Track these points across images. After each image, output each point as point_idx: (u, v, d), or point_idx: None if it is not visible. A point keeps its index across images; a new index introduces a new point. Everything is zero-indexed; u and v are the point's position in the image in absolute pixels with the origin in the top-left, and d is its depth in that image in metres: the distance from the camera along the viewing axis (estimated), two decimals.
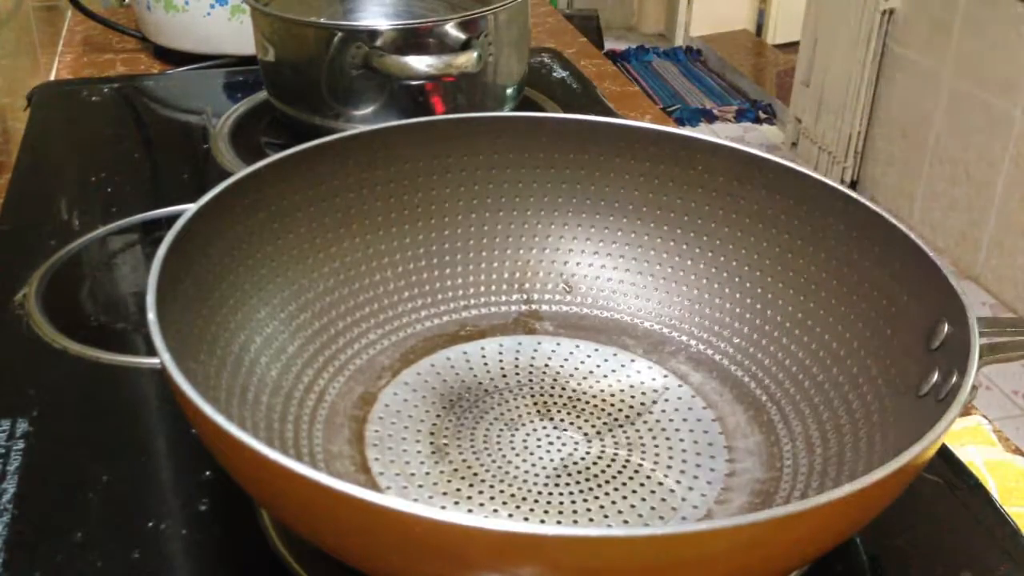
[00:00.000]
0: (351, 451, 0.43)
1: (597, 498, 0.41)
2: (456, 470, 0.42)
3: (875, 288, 0.44)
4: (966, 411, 0.51)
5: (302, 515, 0.33)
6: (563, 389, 0.47)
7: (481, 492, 0.41)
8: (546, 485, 0.42)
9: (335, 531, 0.32)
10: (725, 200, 0.50)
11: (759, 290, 0.49)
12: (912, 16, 2.10)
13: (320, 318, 0.48)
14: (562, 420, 0.45)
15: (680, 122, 2.65)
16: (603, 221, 0.53)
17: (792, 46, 2.85)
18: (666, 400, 0.47)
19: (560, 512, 0.40)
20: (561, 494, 0.41)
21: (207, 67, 0.94)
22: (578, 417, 0.46)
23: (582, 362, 0.49)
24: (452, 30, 0.68)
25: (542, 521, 0.40)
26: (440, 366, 0.49)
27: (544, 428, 0.45)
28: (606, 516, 0.40)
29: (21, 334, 0.53)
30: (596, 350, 0.50)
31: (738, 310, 0.50)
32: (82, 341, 0.52)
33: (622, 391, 0.47)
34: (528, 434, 0.44)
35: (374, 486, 0.41)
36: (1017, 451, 0.49)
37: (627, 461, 0.43)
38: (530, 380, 0.48)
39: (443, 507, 0.40)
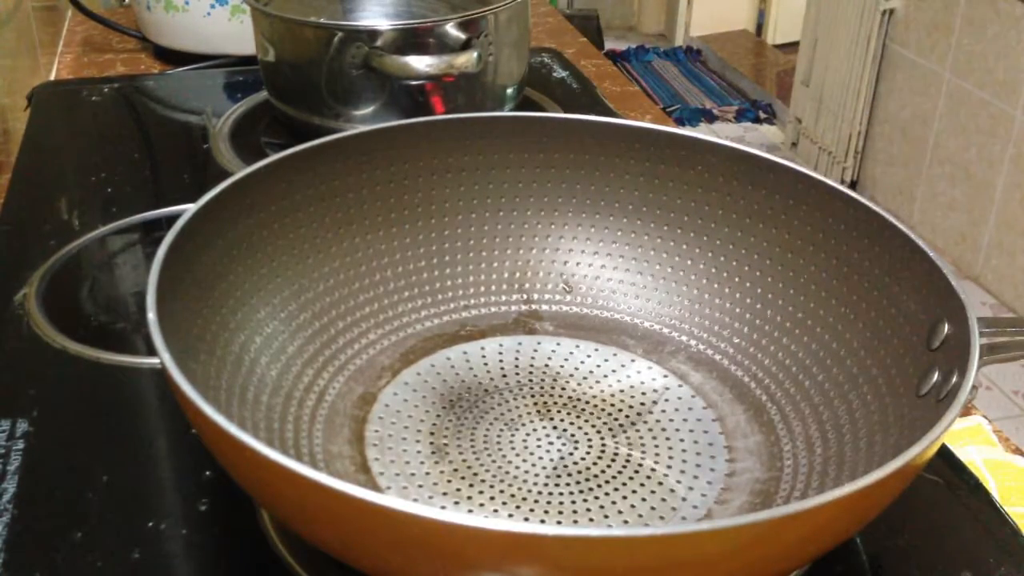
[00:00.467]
0: (351, 451, 0.43)
1: (597, 498, 0.41)
2: (456, 470, 0.42)
3: (875, 288, 0.44)
4: (966, 411, 0.51)
5: (302, 515, 0.33)
6: (563, 389, 0.47)
7: (481, 492, 0.41)
8: (546, 485, 0.42)
9: (335, 531, 0.32)
10: (725, 200, 0.50)
11: (759, 290, 0.49)
12: (912, 16, 2.10)
13: (320, 318, 0.48)
14: (562, 420, 0.45)
15: (680, 122, 2.65)
16: (603, 221, 0.53)
17: (792, 46, 2.85)
18: (666, 400, 0.47)
19: (560, 512, 0.40)
20: (561, 494, 0.41)
21: (207, 67, 0.94)
22: (578, 417, 0.46)
23: (582, 362, 0.49)
24: (452, 30, 0.68)
25: (542, 521, 0.40)
26: (440, 366, 0.49)
27: (544, 428, 0.45)
28: (606, 516, 0.40)
29: (21, 334, 0.53)
30: (596, 350, 0.50)
31: (738, 310, 0.50)
32: (82, 341, 0.52)
33: (622, 391, 0.47)
34: (528, 434, 0.44)
35: (374, 486, 0.41)
36: (1017, 451, 0.49)
37: (627, 461, 0.43)
38: (530, 380, 0.48)
39: (443, 507, 0.40)
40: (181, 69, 0.94)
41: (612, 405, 0.47)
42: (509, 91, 0.74)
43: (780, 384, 0.47)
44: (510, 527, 0.28)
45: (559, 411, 0.46)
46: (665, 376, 0.48)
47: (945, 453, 0.46)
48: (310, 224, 0.48)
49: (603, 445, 0.44)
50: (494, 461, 0.43)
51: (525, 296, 0.53)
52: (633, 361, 0.49)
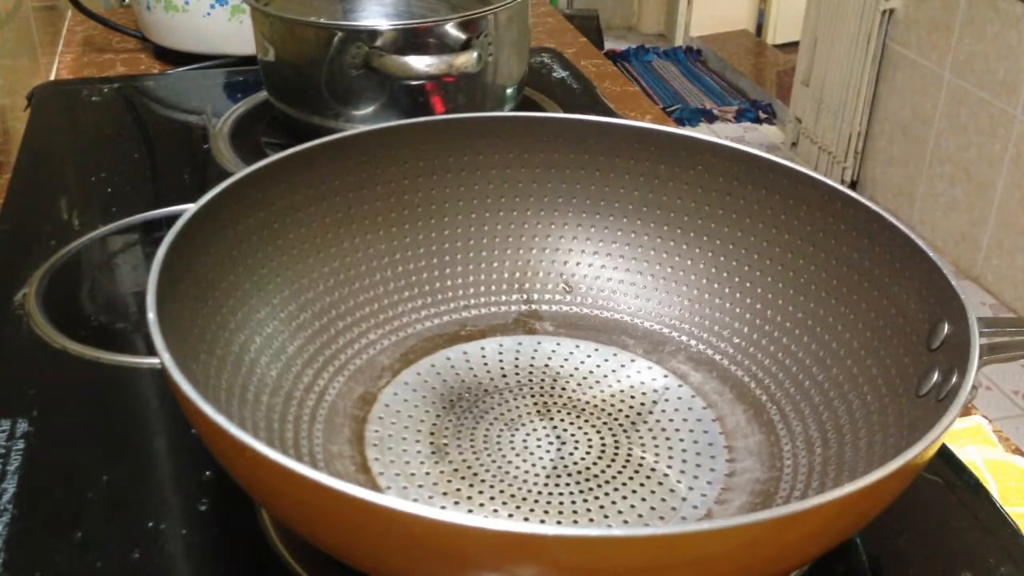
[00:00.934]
0: (351, 451, 0.43)
1: (597, 498, 0.41)
2: (456, 470, 0.42)
3: (875, 288, 0.44)
4: (966, 411, 0.51)
5: (302, 515, 0.33)
6: (563, 389, 0.47)
7: (481, 492, 0.41)
8: (546, 485, 0.42)
9: (335, 531, 0.32)
10: (725, 200, 0.50)
11: (759, 290, 0.49)
12: (912, 16, 2.10)
13: (320, 318, 0.48)
14: (562, 420, 0.45)
15: (680, 122, 2.65)
16: (603, 221, 0.53)
17: (792, 46, 2.85)
18: (666, 400, 0.47)
19: (560, 512, 0.40)
20: (561, 494, 0.41)
21: (207, 67, 0.94)
22: (578, 417, 0.46)
23: (582, 362, 0.49)
24: (452, 30, 0.68)
25: (542, 521, 0.40)
26: (440, 366, 0.49)
27: (544, 428, 0.45)
28: (606, 516, 0.40)
29: (21, 334, 0.53)
30: (596, 350, 0.50)
31: (738, 310, 0.50)
32: (82, 341, 0.52)
33: (622, 391, 0.47)
34: (528, 434, 0.44)
35: (374, 486, 0.41)
36: (1017, 451, 0.49)
37: (627, 461, 0.43)
38: (530, 380, 0.48)
39: (443, 507, 0.40)
40: (181, 69, 0.94)
41: (612, 405, 0.47)
42: (509, 91, 0.74)
43: (780, 384, 0.47)
44: (510, 527, 0.28)
45: (559, 411, 0.46)
46: (665, 376, 0.48)
47: (945, 453, 0.46)
48: (310, 224, 0.48)
49: (603, 445, 0.44)
50: (494, 461, 0.43)
51: (525, 296, 0.53)
52: (633, 361, 0.49)
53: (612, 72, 0.98)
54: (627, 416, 0.46)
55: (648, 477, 0.42)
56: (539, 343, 0.51)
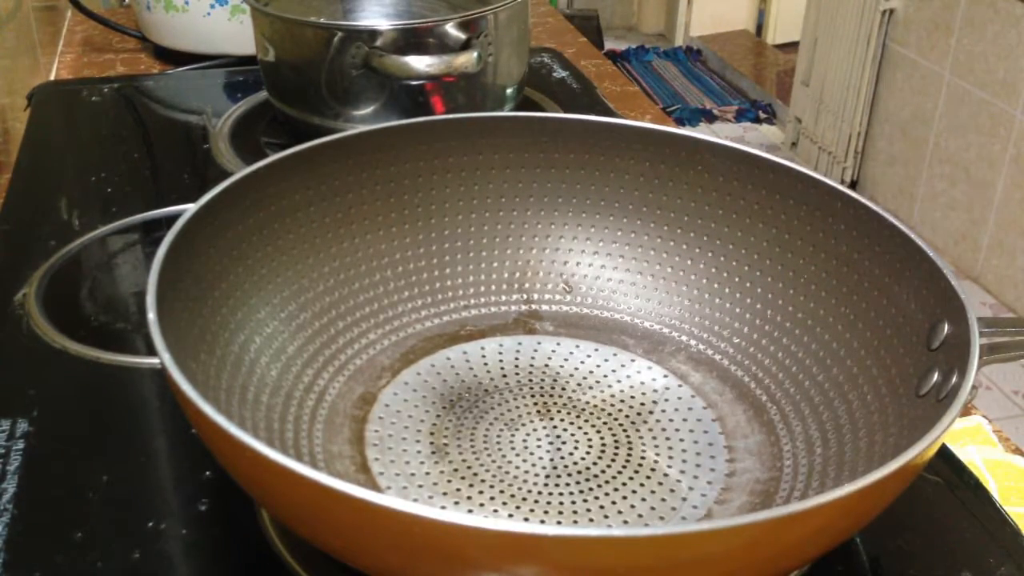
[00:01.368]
0: (351, 451, 0.43)
1: (597, 498, 0.41)
2: (456, 470, 0.42)
3: (875, 288, 0.44)
4: (966, 411, 0.51)
5: (302, 515, 0.33)
6: (563, 389, 0.47)
7: (481, 492, 0.41)
8: (546, 485, 0.42)
9: (335, 531, 0.32)
10: (725, 200, 0.50)
11: (759, 290, 0.49)
12: (912, 16, 2.10)
13: (320, 318, 0.48)
14: (562, 420, 0.45)
15: (680, 122, 2.65)
16: (603, 221, 0.53)
17: (792, 46, 2.85)
18: (666, 400, 0.47)
19: (560, 512, 0.40)
20: (561, 494, 0.41)
21: (207, 67, 0.94)
22: (578, 417, 0.46)
23: (582, 362, 0.49)
24: (452, 30, 0.68)
25: (542, 521, 0.40)
26: (440, 366, 0.49)
27: (544, 428, 0.45)
28: (606, 516, 0.40)
29: (21, 334, 0.53)
30: (596, 350, 0.50)
31: (738, 310, 0.50)
32: (82, 341, 0.52)
33: (622, 391, 0.47)
34: (528, 434, 0.44)
35: (374, 486, 0.41)
36: (1017, 451, 0.49)
37: (627, 461, 0.43)
38: (530, 380, 0.48)
39: (443, 507, 0.40)
40: (181, 69, 0.94)
41: (612, 405, 0.47)
42: (509, 91, 0.74)
43: (780, 384, 0.47)
44: (510, 527, 0.28)
45: (559, 411, 0.46)
46: (665, 376, 0.48)
47: (945, 453, 0.46)
48: (310, 224, 0.48)
49: (603, 445, 0.44)
50: (494, 461, 0.43)
51: (525, 296, 0.53)
52: (633, 361, 0.49)
53: (612, 72, 0.98)
54: (627, 416, 0.46)
55: (648, 477, 0.42)
56: (539, 343, 0.51)
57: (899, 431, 0.39)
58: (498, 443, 0.44)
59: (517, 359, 0.49)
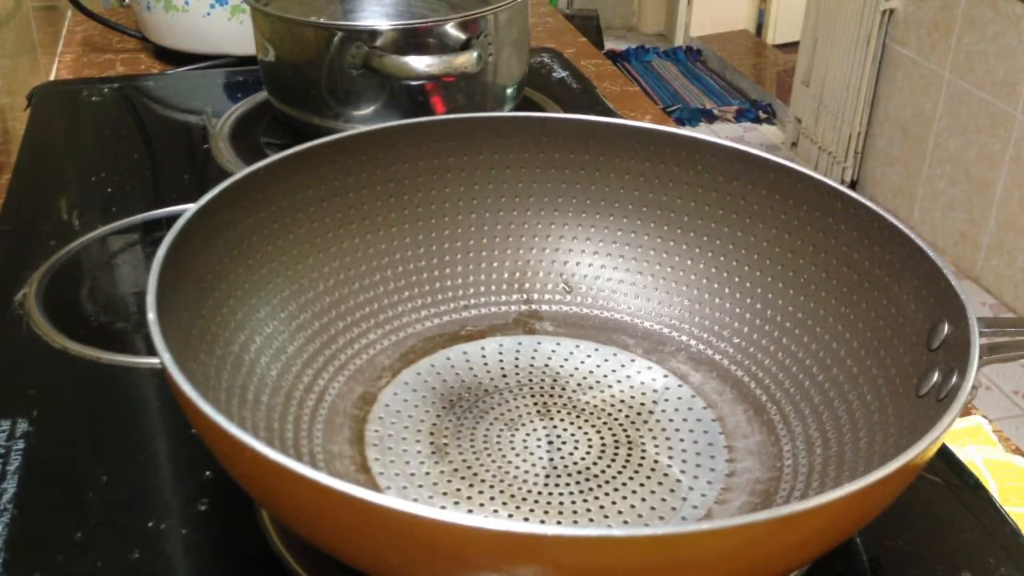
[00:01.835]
0: (351, 451, 0.43)
1: (597, 498, 0.41)
2: (456, 470, 0.42)
3: (875, 288, 0.44)
4: (966, 411, 0.51)
5: (302, 515, 0.33)
6: (563, 389, 0.47)
7: (481, 492, 0.41)
8: (546, 485, 0.42)
9: (335, 531, 0.32)
10: (725, 200, 0.50)
11: (759, 290, 0.49)
12: (912, 16, 2.10)
13: (320, 318, 0.48)
14: (562, 420, 0.45)
15: (680, 122, 2.65)
16: (603, 221, 0.53)
17: (792, 46, 2.85)
18: (666, 400, 0.47)
19: (560, 512, 0.40)
20: (561, 494, 0.41)
21: (207, 67, 0.94)
22: (578, 417, 0.46)
23: (582, 362, 0.49)
24: (452, 30, 0.68)
25: (542, 521, 0.40)
26: (440, 366, 0.49)
27: (544, 428, 0.45)
28: (606, 516, 0.40)
29: (21, 334, 0.53)
30: (596, 350, 0.50)
31: (738, 310, 0.50)
32: (82, 341, 0.52)
33: (622, 391, 0.47)
34: (528, 434, 0.44)
35: (374, 486, 0.41)
36: (1017, 451, 0.49)
37: (627, 461, 0.43)
38: (530, 380, 0.48)
39: (443, 507, 0.40)
40: (181, 69, 0.94)
41: (612, 405, 0.47)
42: (509, 91, 0.74)
43: (780, 384, 0.47)
44: (510, 527, 0.28)
45: (559, 411, 0.46)
46: (665, 376, 0.48)
47: (945, 453, 0.46)
48: (310, 224, 0.48)
49: (603, 445, 0.44)
50: (494, 461, 0.43)
51: (525, 296, 0.53)
52: (633, 361, 0.49)
53: (612, 72, 0.98)
54: (627, 416, 0.46)
55: (648, 477, 0.42)
56: (539, 343, 0.51)
57: (899, 431, 0.39)
58: (498, 443, 0.44)
59: (517, 359, 0.49)
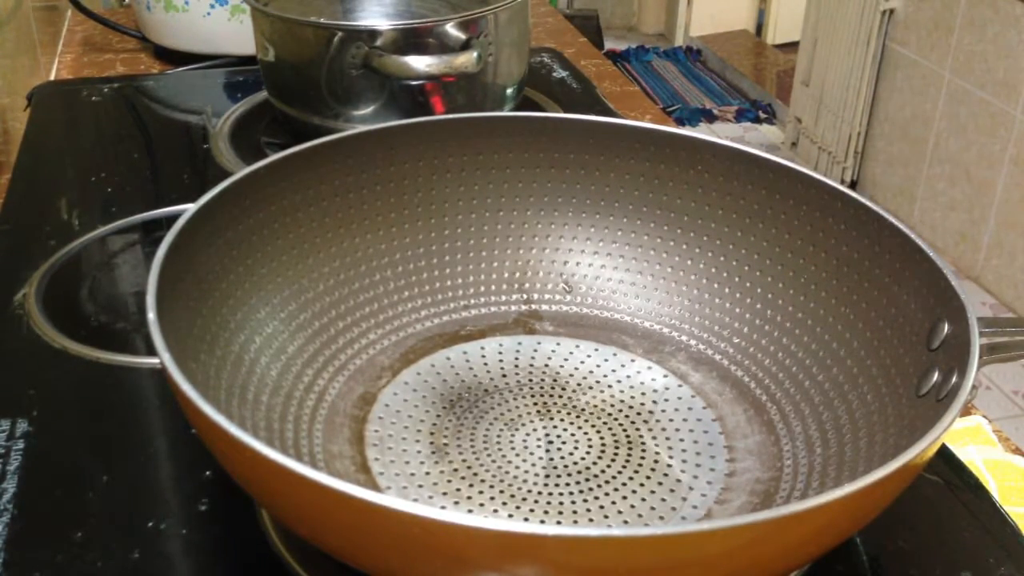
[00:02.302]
0: (351, 451, 0.43)
1: (597, 498, 0.41)
2: (456, 470, 0.42)
3: (875, 288, 0.44)
4: (966, 411, 0.51)
5: (302, 515, 0.33)
6: (563, 389, 0.47)
7: (481, 492, 0.41)
8: (546, 485, 0.42)
9: (335, 531, 0.32)
10: (725, 200, 0.50)
11: (759, 290, 0.49)
12: (912, 16, 2.10)
13: (320, 318, 0.48)
14: (562, 420, 0.45)
15: (680, 122, 2.65)
16: (603, 221, 0.53)
17: (792, 46, 2.85)
18: (666, 400, 0.47)
19: (560, 512, 0.40)
20: (561, 494, 0.41)
21: (207, 67, 0.94)
22: (578, 417, 0.46)
23: (582, 362, 0.49)
24: (452, 30, 0.68)
25: (542, 521, 0.40)
26: (440, 366, 0.49)
27: (544, 428, 0.45)
28: (606, 516, 0.40)
29: (21, 334, 0.53)
30: (596, 350, 0.50)
31: (738, 310, 0.50)
32: (82, 341, 0.52)
33: (622, 391, 0.47)
34: (528, 434, 0.44)
35: (374, 486, 0.41)
36: (1017, 451, 0.49)
37: (627, 461, 0.43)
38: (530, 380, 0.48)
39: (443, 507, 0.40)
40: (181, 69, 0.94)
41: (612, 405, 0.47)
42: (509, 91, 0.74)
43: (780, 384, 0.47)
44: (510, 527, 0.28)
45: (559, 411, 0.46)
46: (665, 376, 0.48)
47: (945, 453, 0.46)
48: (310, 224, 0.48)
49: (603, 445, 0.44)
50: (494, 461, 0.43)
51: (525, 296, 0.53)
52: (633, 361, 0.49)
53: (612, 72, 0.98)
54: (627, 416, 0.46)
55: (648, 477, 0.42)
56: (539, 343, 0.51)
57: (899, 431, 0.39)
58: (498, 443, 0.44)
59: (517, 359, 0.49)
